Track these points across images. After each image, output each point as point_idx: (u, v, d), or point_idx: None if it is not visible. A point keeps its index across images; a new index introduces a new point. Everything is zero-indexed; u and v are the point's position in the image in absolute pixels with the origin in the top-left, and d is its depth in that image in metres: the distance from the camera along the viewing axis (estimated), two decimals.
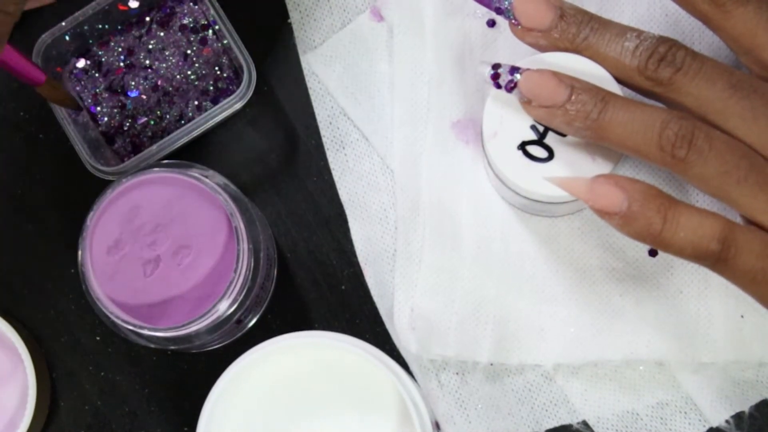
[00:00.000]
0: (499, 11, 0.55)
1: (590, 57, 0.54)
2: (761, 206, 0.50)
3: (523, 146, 0.55)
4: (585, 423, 0.63)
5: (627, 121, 0.51)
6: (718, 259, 0.50)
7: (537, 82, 0.53)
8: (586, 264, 0.62)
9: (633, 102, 0.52)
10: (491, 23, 0.64)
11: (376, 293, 0.64)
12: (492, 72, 0.54)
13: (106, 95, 0.66)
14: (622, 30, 0.53)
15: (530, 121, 0.55)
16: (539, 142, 0.55)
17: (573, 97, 0.52)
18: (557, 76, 0.53)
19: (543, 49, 0.55)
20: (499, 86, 0.54)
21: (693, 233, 0.49)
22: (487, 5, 0.55)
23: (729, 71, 0.52)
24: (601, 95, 0.52)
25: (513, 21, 0.55)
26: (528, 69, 0.53)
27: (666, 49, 0.52)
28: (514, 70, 0.54)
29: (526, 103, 0.53)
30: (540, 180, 0.55)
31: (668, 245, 0.50)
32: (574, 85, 0.52)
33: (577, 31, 0.54)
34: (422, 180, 0.63)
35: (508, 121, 0.55)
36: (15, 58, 0.59)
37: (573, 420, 0.63)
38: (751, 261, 0.50)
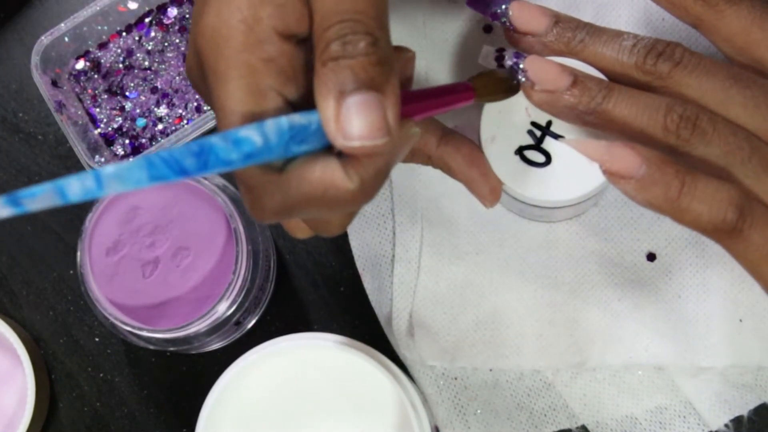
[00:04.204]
0: (494, 16, 0.55)
1: (586, 58, 0.53)
2: (765, 188, 0.50)
3: (520, 151, 0.55)
4: (584, 428, 0.63)
5: (633, 104, 0.51)
6: (733, 229, 0.48)
7: (541, 66, 0.52)
8: (584, 269, 0.62)
9: (636, 90, 0.52)
10: (488, 29, 0.64)
11: (374, 299, 0.64)
12: (496, 54, 0.54)
13: (106, 96, 0.66)
14: (618, 32, 0.53)
15: (527, 126, 0.55)
16: (537, 146, 0.55)
17: (578, 82, 0.52)
18: (561, 64, 0.53)
19: (538, 54, 0.55)
20: (502, 68, 0.54)
21: (711, 198, 0.48)
22: (483, 11, 0.55)
23: (727, 65, 0.52)
24: (605, 83, 0.52)
25: (508, 25, 0.55)
26: (532, 55, 0.53)
27: (664, 45, 0.52)
28: (518, 54, 0.54)
29: (529, 87, 0.53)
30: (538, 185, 0.54)
31: (684, 212, 0.49)
32: (577, 74, 0.52)
33: (573, 34, 0.54)
34: (420, 186, 0.63)
35: (506, 126, 0.55)
36: (430, 105, 0.49)
37: (572, 425, 0.63)
38: (766, 234, 0.49)
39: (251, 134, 0.40)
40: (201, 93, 0.46)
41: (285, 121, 0.41)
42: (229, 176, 0.62)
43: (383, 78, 0.42)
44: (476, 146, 0.54)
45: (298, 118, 0.42)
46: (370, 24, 0.42)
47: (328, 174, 0.43)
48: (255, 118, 0.42)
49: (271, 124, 0.41)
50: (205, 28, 0.44)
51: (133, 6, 0.66)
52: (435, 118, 0.55)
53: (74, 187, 0.36)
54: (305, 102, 0.44)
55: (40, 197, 0.35)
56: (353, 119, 0.41)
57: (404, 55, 0.50)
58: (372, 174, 0.43)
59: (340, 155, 0.43)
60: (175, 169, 0.38)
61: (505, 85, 0.53)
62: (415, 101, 0.47)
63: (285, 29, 0.43)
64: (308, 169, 0.43)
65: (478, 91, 0.51)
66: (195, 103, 0.66)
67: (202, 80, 0.45)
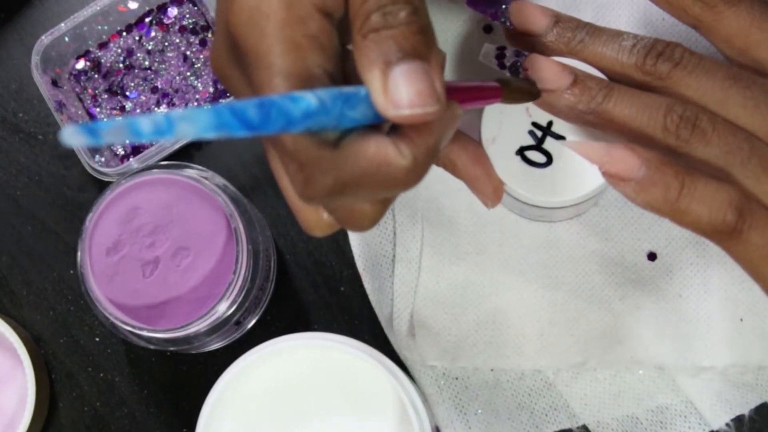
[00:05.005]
0: (494, 16, 0.55)
1: (586, 58, 0.53)
2: (765, 189, 0.50)
3: (521, 151, 0.55)
4: (585, 427, 0.63)
5: (633, 104, 0.51)
6: (733, 230, 0.48)
7: (542, 64, 0.52)
8: (585, 269, 0.62)
9: (637, 89, 0.52)
10: (488, 29, 0.64)
11: (375, 299, 0.64)
12: (497, 53, 0.54)
13: (106, 96, 0.66)
14: (618, 32, 0.53)
15: (528, 126, 0.55)
16: (537, 147, 0.55)
17: (578, 81, 0.52)
18: (562, 63, 0.53)
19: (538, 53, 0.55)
20: (503, 66, 0.54)
21: (711, 199, 0.48)
22: (483, 11, 0.55)
23: (727, 65, 0.52)
24: (606, 82, 0.52)
25: (508, 25, 0.55)
26: (533, 53, 0.53)
27: (663, 46, 0.52)
28: (519, 53, 0.54)
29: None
30: (539, 185, 0.54)
31: (684, 213, 0.48)
32: (577, 73, 0.52)
33: (573, 34, 0.54)
34: (420, 186, 0.63)
35: (507, 127, 0.55)
36: (461, 98, 0.49)
37: (573, 424, 0.63)
38: (766, 235, 0.49)
39: (306, 95, 0.40)
40: (230, 79, 0.46)
41: (335, 88, 0.41)
42: (229, 176, 0.62)
43: (426, 46, 0.42)
44: (481, 146, 0.55)
45: (347, 88, 0.41)
46: None
47: (381, 150, 0.42)
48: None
49: (322, 90, 0.40)
50: (241, 8, 0.43)
51: (133, 6, 0.66)
52: None
53: (145, 125, 0.36)
54: (341, 81, 0.43)
55: (112, 129, 0.36)
56: (401, 88, 0.41)
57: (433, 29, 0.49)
58: (423, 151, 0.43)
59: (390, 134, 0.43)
60: (241, 118, 0.37)
61: (528, 90, 0.53)
62: (450, 92, 0.47)
63: (322, 6, 0.43)
64: (363, 145, 0.42)
65: (504, 92, 0.51)
66: (195, 103, 0.66)
67: (234, 64, 0.44)
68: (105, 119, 0.66)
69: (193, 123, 0.37)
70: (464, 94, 0.48)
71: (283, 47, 0.42)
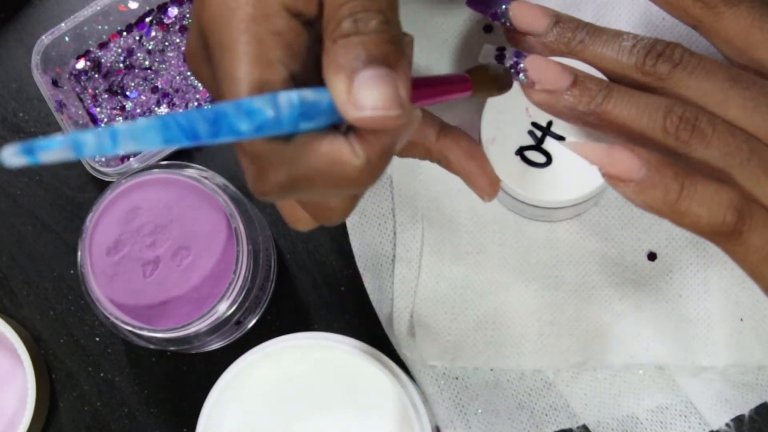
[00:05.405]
0: (494, 16, 0.55)
1: (586, 58, 0.53)
2: (764, 190, 0.50)
3: (521, 151, 0.55)
4: (585, 427, 0.63)
5: (632, 105, 0.51)
6: (732, 232, 0.48)
7: (542, 65, 0.52)
8: (585, 269, 0.62)
9: (636, 90, 0.52)
10: (488, 29, 0.64)
11: (375, 299, 0.64)
12: (497, 54, 0.54)
13: (106, 96, 0.66)
14: (618, 32, 0.54)
15: (528, 127, 0.55)
16: (537, 147, 0.55)
17: (578, 82, 0.52)
18: (562, 63, 0.53)
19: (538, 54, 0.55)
20: (500, 63, 0.54)
21: (710, 200, 0.48)
22: (483, 11, 0.55)
23: (727, 66, 0.52)
24: (605, 83, 0.52)
25: (508, 26, 0.55)
26: (533, 54, 0.53)
27: (663, 46, 0.52)
28: (519, 53, 0.54)
29: (529, 87, 0.53)
30: (538, 185, 0.54)
31: (683, 215, 0.48)
32: (577, 74, 0.52)
33: (573, 35, 0.54)
34: (421, 186, 0.63)
35: (506, 127, 0.55)
36: (429, 93, 0.49)
37: (573, 424, 0.63)
38: (766, 236, 0.49)
39: (264, 106, 0.40)
40: (202, 76, 0.46)
41: (296, 95, 0.41)
42: (228, 176, 0.62)
43: (395, 56, 0.42)
44: (474, 141, 0.55)
45: (310, 95, 0.41)
46: (381, 3, 0.42)
47: (335, 148, 0.42)
48: (262, 87, 0.42)
49: (283, 97, 0.40)
50: (211, 3, 0.43)
51: (133, 5, 0.66)
52: (432, 113, 0.54)
53: (90, 143, 0.36)
54: (307, 82, 0.43)
55: (55, 150, 0.35)
56: (365, 91, 0.41)
57: (403, 39, 0.50)
58: (378, 152, 0.42)
59: (346, 135, 0.43)
60: (188, 133, 0.38)
61: (499, 82, 0.52)
62: (415, 88, 0.47)
63: (292, 6, 0.43)
64: (316, 141, 0.42)
65: (474, 84, 0.51)
66: (195, 103, 0.66)
67: (205, 60, 0.45)
68: (105, 118, 0.66)
69: (138, 140, 0.37)
70: (431, 90, 0.48)
71: (247, 40, 0.42)
